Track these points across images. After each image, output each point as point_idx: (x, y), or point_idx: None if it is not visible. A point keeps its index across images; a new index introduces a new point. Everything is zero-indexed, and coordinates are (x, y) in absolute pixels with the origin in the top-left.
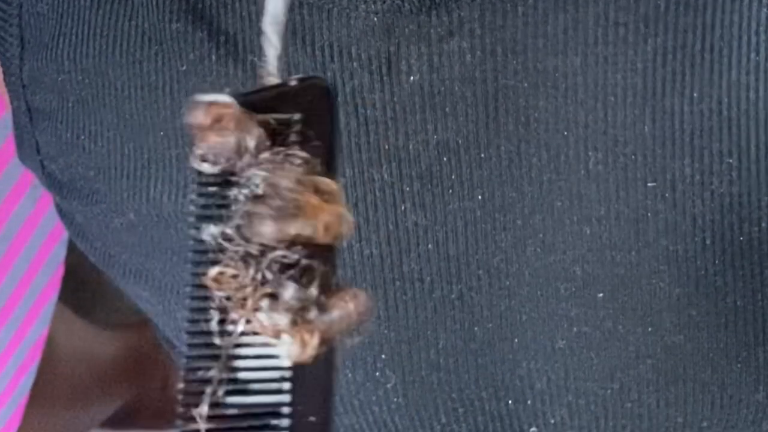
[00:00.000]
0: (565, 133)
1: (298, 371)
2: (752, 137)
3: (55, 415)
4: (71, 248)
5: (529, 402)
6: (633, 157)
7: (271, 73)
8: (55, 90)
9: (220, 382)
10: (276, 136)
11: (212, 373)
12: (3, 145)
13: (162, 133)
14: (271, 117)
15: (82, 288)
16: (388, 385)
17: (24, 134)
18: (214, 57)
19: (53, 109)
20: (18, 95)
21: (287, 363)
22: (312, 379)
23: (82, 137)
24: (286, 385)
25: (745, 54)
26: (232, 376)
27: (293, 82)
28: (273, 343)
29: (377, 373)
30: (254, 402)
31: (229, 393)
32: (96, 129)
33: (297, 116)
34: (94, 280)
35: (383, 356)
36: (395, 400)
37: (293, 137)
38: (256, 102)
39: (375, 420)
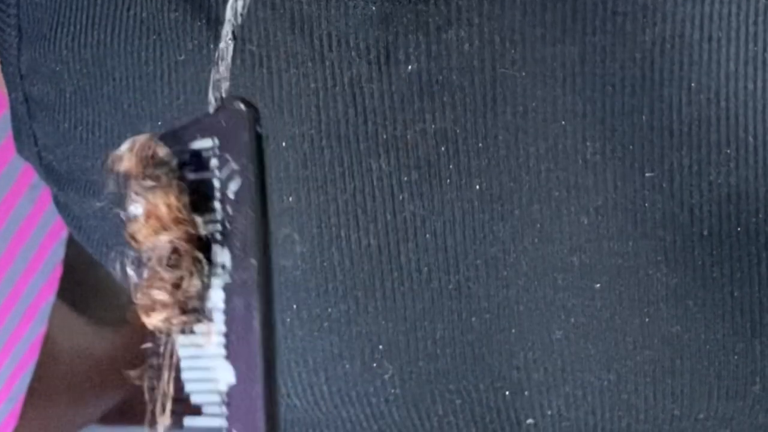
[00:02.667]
0: (563, 122)
1: (233, 393)
2: (750, 128)
3: (53, 411)
4: (69, 244)
5: (526, 393)
6: (631, 147)
7: (212, 102)
8: (52, 80)
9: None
10: (193, 165)
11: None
12: (1, 144)
13: (160, 123)
14: (189, 147)
15: (80, 284)
16: (386, 376)
17: (22, 125)
18: (212, 46)
19: (51, 100)
20: (15, 86)
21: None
22: (245, 402)
23: (80, 128)
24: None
25: (743, 44)
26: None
27: (213, 108)
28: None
29: (374, 364)
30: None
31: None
32: (94, 119)
33: (211, 143)
34: (92, 276)
35: (380, 347)
36: (392, 391)
37: (212, 162)
38: (182, 133)
39: (372, 411)
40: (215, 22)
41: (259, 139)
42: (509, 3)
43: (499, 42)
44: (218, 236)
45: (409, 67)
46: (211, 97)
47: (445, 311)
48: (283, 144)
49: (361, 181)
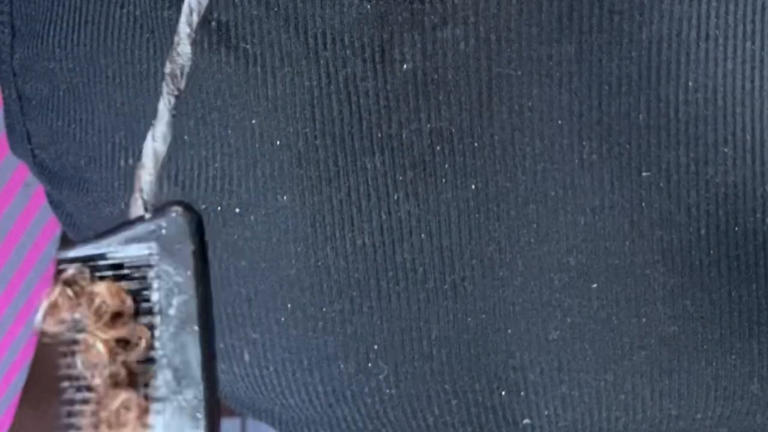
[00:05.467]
0: (560, 122)
1: None
2: (748, 127)
3: (47, 410)
4: (64, 241)
5: (522, 393)
6: (627, 146)
7: (139, 203)
8: (46, 78)
9: None
10: (131, 278)
11: None
12: None
13: (153, 121)
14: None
15: None
16: (381, 376)
17: (15, 123)
18: (206, 44)
19: (44, 98)
20: (9, 83)
21: None
22: None
23: (73, 126)
24: None
25: (740, 43)
26: None
27: (150, 215)
28: None
29: (369, 364)
30: None
31: None
32: (87, 117)
33: (149, 253)
34: None
35: (375, 347)
36: (388, 391)
37: (150, 273)
38: (114, 238)
39: (367, 411)
40: (208, 21)
41: (203, 249)
42: (505, 1)
43: (494, 41)
44: (159, 358)
45: (405, 65)
46: (138, 200)
47: (441, 311)
48: (278, 143)
49: (355, 180)
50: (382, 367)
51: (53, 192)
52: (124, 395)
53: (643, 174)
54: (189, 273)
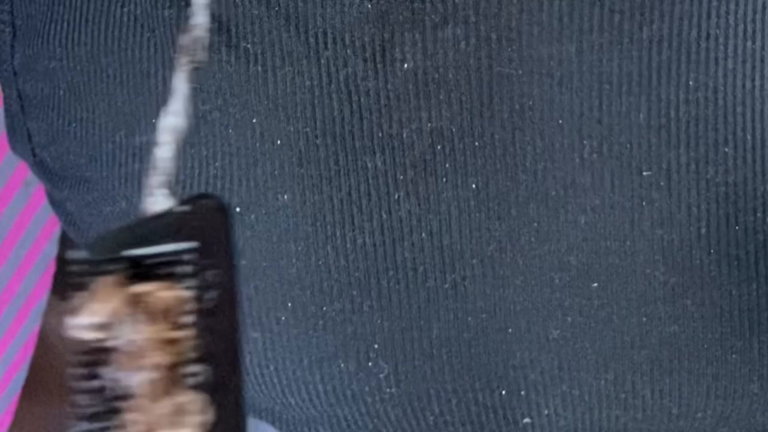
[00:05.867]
0: (560, 121)
1: None
2: (748, 126)
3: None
4: (63, 239)
5: (522, 392)
6: (628, 145)
7: (160, 197)
8: (46, 77)
9: None
10: (168, 272)
11: None
12: None
13: (153, 120)
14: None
15: None
16: (381, 375)
17: (15, 122)
18: (207, 44)
19: (45, 97)
20: (9, 83)
21: None
22: None
23: (74, 125)
24: None
25: (741, 42)
26: None
27: (184, 206)
28: None
29: (370, 363)
30: None
31: None
32: (87, 116)
33: (189, 245)
34: None
35: (376, 346)
36: (388, 390)
37: (187, 269)
38: (146, 234)
39: (368, 410)
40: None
41: (232, 242)
42: (506, 1)
43: (495, 40)
44: (193, 352)
45: (405, 65)
46: (158, 183)
47: (441, 310)
48: (278, 142)
49: (356, 180)
50: (382, 366)
51: (54, 191)
52: (179, 397)
53: (644, 173)
54: (225, 270)
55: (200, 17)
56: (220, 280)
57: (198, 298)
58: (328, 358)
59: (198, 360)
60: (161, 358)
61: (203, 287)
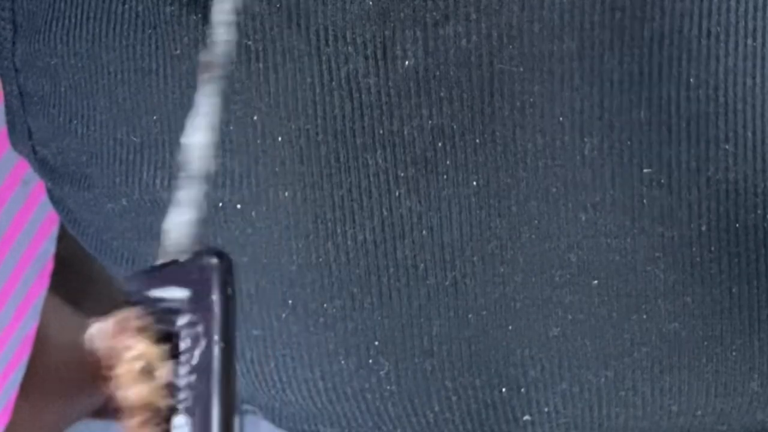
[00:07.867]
0: (561, 118)
1: None
2: (749, 124)
3: (46, 406)
4: (61, 237)
5: (522, 390)
6: (628, 143)
7: (170, 247)
8: (47, 74)
9: None
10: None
11: None
12: None
13: (155, 117)
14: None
15: (73, 278)
16: (381, 373)
17: (16, 119)
18: (208, 41)
19: (45, 94)
20: (10, 79)
21: None
22: None
23: (75, 122)
24: None
25: (742, 39)
26: None
27: (185, 258)
28: None
29: (370, 360)
30: None
31: None
32: (88, 113)
33: (182, 295)
34: (85, 270)
35: (376, 343)
36: (388, 387)
37: (180, 320)
38: (153, 280)
39: (368, 407)
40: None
41: (230, 300)
42: None
43: (496, 37)
44: (180, 405)
45: (407, 62)
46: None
47: (442, 308)
48: (279, 139)
49: (357, 177)
50: (382, 364)
51: (54, 188)
52: None
53: (644, 170)
54: (213, 326)
55: (223, 34)
56: (210, 340)
57: (183, 352)
58: (328, 355)
59: (179, 413)
60: (141, 415)
61: (192, 340)
